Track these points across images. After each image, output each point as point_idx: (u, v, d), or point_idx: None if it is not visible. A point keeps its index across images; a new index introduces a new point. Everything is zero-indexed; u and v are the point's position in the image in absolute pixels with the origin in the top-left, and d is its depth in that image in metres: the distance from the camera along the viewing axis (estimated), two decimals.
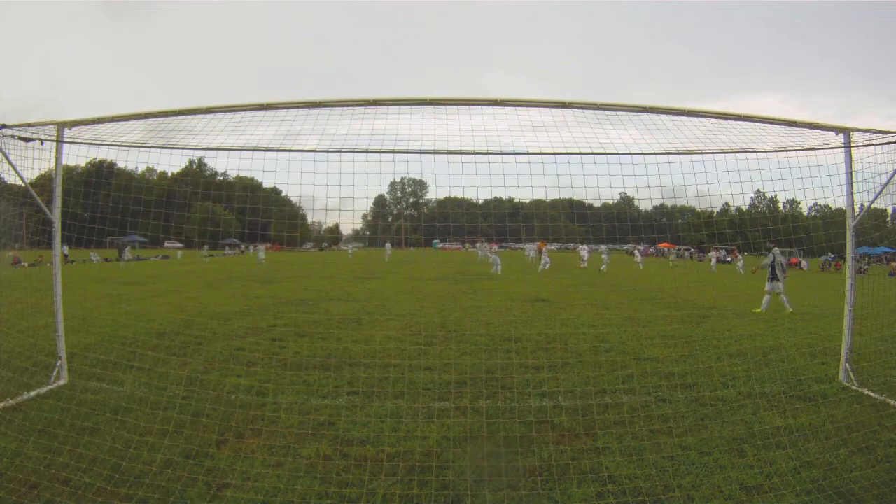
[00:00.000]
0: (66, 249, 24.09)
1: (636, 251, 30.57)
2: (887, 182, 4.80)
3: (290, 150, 4.35)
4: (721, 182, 4.75)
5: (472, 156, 4.37)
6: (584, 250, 25.34)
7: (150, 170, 5.89)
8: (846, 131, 4.95)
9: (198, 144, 4.76)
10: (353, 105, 4.49)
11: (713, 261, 27.92)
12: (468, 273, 21.13)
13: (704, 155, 4.68)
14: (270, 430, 3.97)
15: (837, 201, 5.28)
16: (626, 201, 5.78)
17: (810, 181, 4.93)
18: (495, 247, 23.61)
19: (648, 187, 4.52)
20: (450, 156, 4.43)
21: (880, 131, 4.71)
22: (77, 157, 5.05)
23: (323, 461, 3.51)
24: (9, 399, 4.43)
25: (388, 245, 30.57)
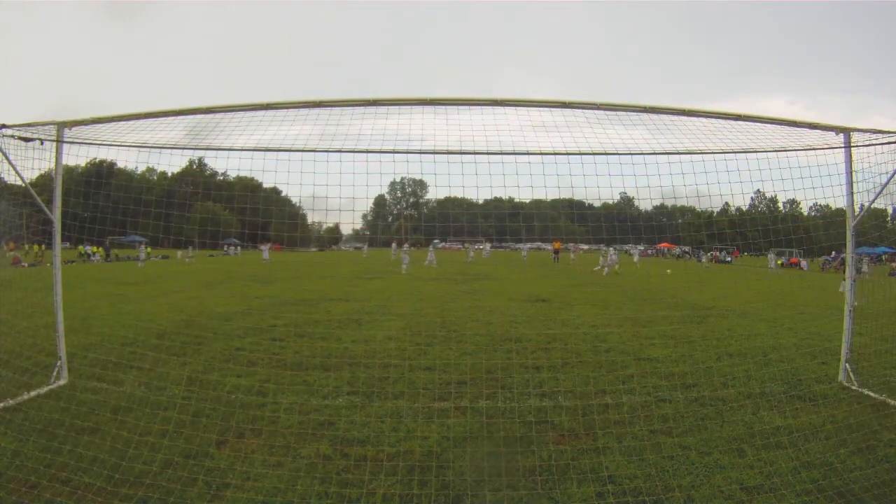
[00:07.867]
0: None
1: (635, 250, 31.37)
2: (887, 182, 4.80)
3: (291, 150, 4.36)
4: (721, 182, 4.76)
5: (472, 156, 4.38)
6: (571, 252, 27.96)
7: (151, 170, 5.90)
8: (846, 131, 4.95)
9: (198, 144, 4.76)
10: (353, 105, 4.49)
11: (705, 260, 28.99)
12: (468, 273, 21.12)
13: (704, 155, 4.69)
14: (270, 430, 3.97)
15: (837, 201, 5.29)
16: (626, 201, 5.78)
17: (810, 181, 4.94)
18: (406, 245, 23.82)
19: (648, 187, 4.53)
20: (450, 156, 4.43)
21: (880, 131, 4.71)
22: (77, 157, 5.06)
23: (323, 461, 3.51)
24: (9, 399, 4.43)
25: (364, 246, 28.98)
